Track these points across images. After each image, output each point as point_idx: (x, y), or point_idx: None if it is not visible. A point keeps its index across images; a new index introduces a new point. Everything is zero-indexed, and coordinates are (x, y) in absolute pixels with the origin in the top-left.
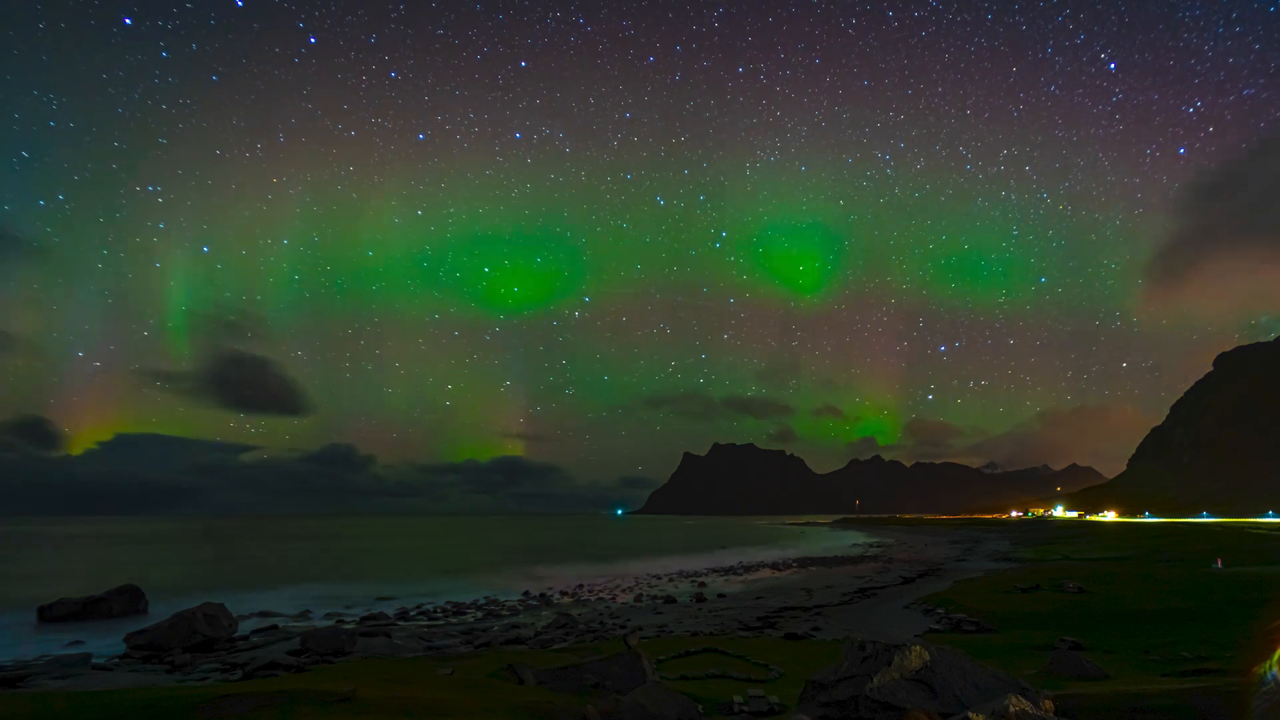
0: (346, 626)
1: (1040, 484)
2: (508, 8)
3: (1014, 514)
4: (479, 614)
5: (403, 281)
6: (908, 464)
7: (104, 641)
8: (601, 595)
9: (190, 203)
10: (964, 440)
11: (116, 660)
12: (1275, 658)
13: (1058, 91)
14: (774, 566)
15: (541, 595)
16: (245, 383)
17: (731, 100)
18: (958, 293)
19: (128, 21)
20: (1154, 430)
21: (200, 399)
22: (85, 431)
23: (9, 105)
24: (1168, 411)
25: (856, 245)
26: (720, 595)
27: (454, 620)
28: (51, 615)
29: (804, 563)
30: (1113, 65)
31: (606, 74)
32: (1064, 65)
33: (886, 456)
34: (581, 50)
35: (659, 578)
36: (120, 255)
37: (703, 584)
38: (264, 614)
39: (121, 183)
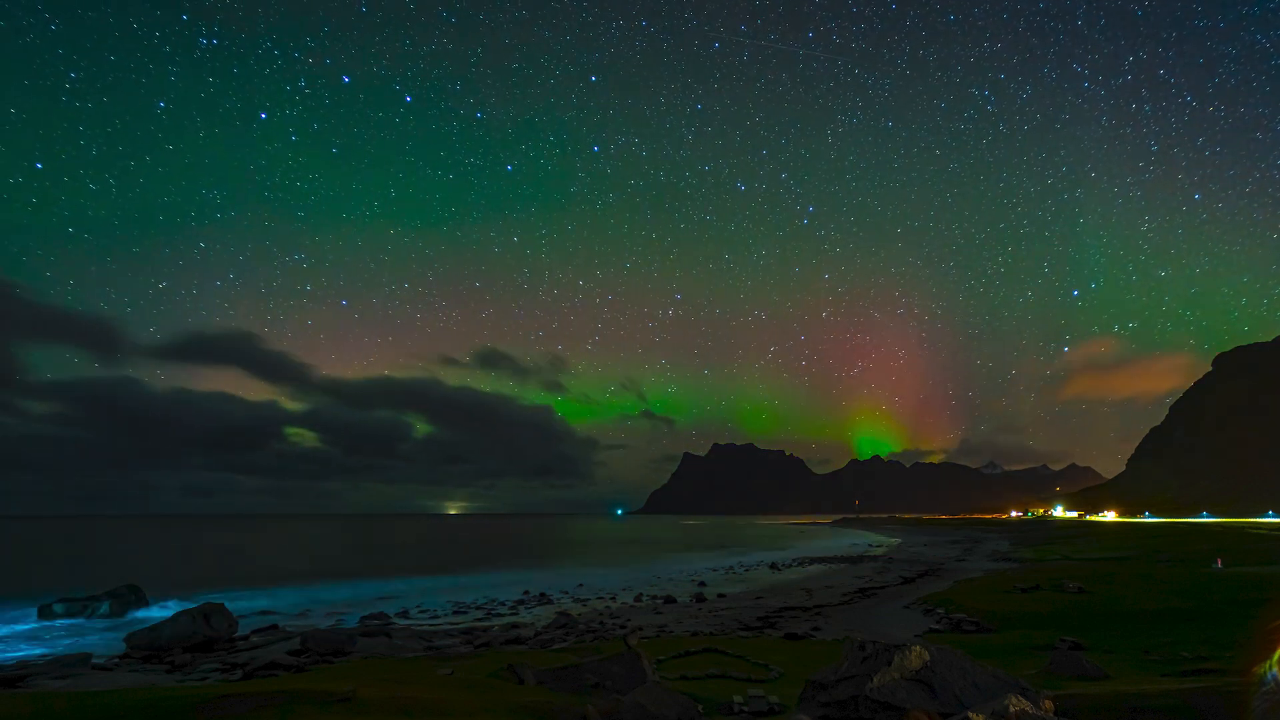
0: (346, 626)
1: (1040, 484)
2: (574, 26)
3: (1014, 514)
4: (479, 614)
5: (508, 306)
6: (907, 464)
7: (104, 641)
8: (601, 595)
9: (329, 264)
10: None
11: (116, 660)
12: (1275, 658)
13: None
14: (774, 566)
15: (541, 595)
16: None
17: (804, 68)
18: (1088, 228)
19: (263, 116)
20: (1154, 430)
21: None
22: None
23: (186, 205)
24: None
25: (961, 196)
26: (720, 595)
27: (454, 620)
28: (52, 615)
29: (804, 563)
30: None
31: (673, 70)
32: None
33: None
34: (646, 52)
35: (659, 578)
36: (280, 318)
37: (703, 584)
38: (264, 614)
39: (275, 256)
